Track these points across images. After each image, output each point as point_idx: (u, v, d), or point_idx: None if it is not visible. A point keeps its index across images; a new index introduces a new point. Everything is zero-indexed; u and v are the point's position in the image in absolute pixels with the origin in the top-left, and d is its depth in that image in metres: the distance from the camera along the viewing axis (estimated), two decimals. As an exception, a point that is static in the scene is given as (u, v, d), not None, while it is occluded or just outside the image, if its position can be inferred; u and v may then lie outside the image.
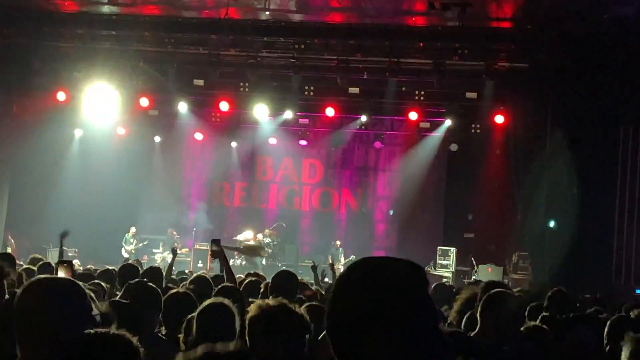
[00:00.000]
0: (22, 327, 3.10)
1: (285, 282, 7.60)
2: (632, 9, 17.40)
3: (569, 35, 19.00)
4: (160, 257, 24.07)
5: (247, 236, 25.44)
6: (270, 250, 24.98)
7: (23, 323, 3.10)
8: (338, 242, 25.24)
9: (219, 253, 9.72)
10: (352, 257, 24.72)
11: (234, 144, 27.55)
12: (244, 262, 24.12)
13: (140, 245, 24.36)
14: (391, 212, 27.90)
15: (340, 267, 24.08)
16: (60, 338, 2.99)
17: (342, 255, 24.73)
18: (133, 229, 24.63)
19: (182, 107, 25.13)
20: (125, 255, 23.97)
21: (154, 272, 9.32)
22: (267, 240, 25.14)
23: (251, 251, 24.12)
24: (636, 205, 19.57)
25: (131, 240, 24.36)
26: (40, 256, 12.42)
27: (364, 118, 25.24)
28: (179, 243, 24.97)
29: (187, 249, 25.06)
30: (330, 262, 22.09)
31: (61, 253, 13.72)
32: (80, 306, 3.17)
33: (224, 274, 9.19)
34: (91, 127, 26.15)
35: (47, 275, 3.52)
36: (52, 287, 3.23)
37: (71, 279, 3.54)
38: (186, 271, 15.79)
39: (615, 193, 19.08)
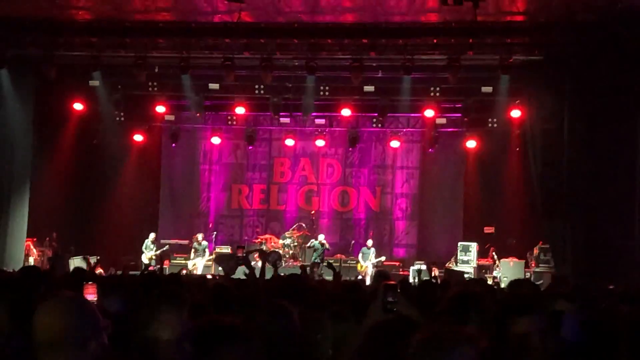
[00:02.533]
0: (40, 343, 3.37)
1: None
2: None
3: (582, 26, 18.92)
4: (192, 263, 24.13)
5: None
6: (291, 252, 24.98)
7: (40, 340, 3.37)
8: (370, 242, 24.98)
9: (245, 259, 9.72)
10: (383, 258, 24.53)
11: (251, 147, 27.56)
12: (259, 263, 24.09)
13: (159, 251, 24.35)
14: None
15: (370, 267, 23.94)
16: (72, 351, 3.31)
17: (374, 254, 24.44)
18: (153, 235, 24.67)
19: (198, 111, 25.47)
20: (146, 261, 24.00)
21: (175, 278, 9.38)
22: (288, 241, 25.13)
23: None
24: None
25: (151, 246, 24.38)
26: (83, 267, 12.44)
27: (380, 116, 25.23)
28: (208, 250, 24.86)
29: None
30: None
31: (89, 268, 13.50)
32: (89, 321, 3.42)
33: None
34: (109, 134, 26.26)
35: (61, 296, 3.66)
36: (65, 305, 3.46)
37: (80, 298, 3.81)
38: (208, 276, 15.80)
39: (635, 183, 18.95)
